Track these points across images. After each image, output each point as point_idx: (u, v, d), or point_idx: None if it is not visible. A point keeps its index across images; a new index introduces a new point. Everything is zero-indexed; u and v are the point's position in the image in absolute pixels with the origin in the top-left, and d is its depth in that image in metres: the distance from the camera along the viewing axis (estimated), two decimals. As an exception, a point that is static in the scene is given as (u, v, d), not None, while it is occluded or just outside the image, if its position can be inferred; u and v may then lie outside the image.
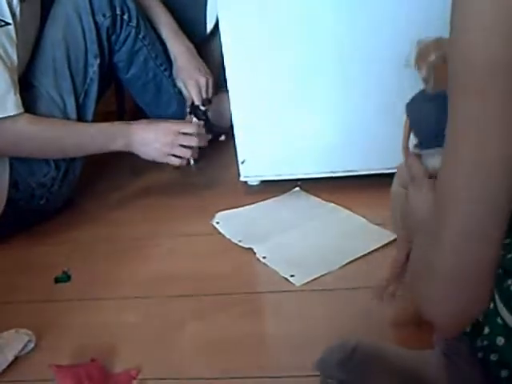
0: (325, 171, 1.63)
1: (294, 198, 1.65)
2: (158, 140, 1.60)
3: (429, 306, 0.71)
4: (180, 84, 1.84)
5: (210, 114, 1.79)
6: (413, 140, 0.99)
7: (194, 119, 1.74)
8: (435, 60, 0.91)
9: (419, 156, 0.91)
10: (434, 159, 0.87)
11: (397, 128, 1.54)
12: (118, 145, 1.60)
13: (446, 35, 0.63)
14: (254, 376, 1.10)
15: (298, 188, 1.67)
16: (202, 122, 1.72)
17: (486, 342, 0.83)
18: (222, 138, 1.80)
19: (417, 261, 0.74)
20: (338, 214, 1.54)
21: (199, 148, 1.66)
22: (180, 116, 1.82)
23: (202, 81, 1.79)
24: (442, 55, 0.91)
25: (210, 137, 1.72)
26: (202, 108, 1.76)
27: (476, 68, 0.60)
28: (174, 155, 1.63)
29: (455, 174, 0.64)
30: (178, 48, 1.84)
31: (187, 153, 1.63)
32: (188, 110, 1.78)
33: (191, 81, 1.79)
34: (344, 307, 1.23)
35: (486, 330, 0.83)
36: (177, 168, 1.69)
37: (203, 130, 1.69)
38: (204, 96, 1.78)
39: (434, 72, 0.92)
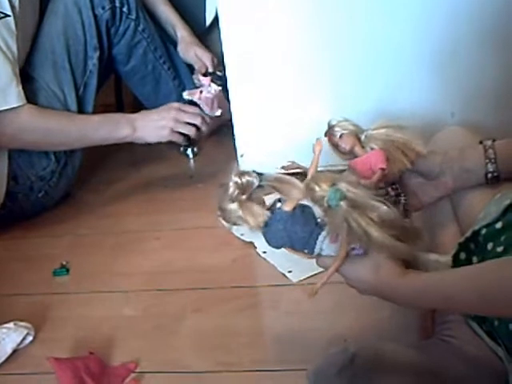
0: (325, 165, 1.62)
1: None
2: (161, 117, 1.59)
3: None
4: (191, 55, 1.83)
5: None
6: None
7: (213, 85, 1.69)
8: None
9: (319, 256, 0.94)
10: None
11: (397, 115, 1.56)
12: (122, 133, 1.59)
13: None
14: (251, 369, 1.11)
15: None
16: (220, 88, 1.69)
17: None
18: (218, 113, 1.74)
19: None
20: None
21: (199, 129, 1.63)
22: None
23: (213, 55, 1.80)
24: None
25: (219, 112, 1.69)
26: (219, 73, 1.74)
27: None
28: (178, 133, 1.61)
29: None
30: (186, 29, 1.86)
31: (191, 130, 1.61)
32: (199, 79, 1.75)
33: (206, 53, 1.81)
34: (342, 301, 1.23)
35: None
36: (173, 143, 1.66)
37: (222, 96, 1.68)
38: (216, 62, 1.78)
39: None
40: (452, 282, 0.83)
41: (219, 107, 1.66)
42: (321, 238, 0.93)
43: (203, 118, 1.62)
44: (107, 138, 1.60)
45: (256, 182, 0.95)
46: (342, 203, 0.86)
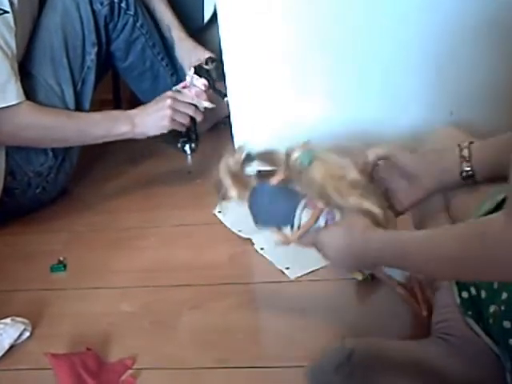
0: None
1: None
2: (158, 107, 1.58)
3: None
4: (182, 62, 1.83)
5: (214, 73, 1.72)
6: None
7: (197, 77, 1.67)
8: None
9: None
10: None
11: (396, 113, 1.56)
12: (121, 129, 1.58)
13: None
14: (248, 366, 1.11)
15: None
16: (204, 80, 1.66)
17: (503, 308, 0.85)
18: (226, 99, 1.72)
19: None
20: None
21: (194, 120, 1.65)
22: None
23: (202, 54, 1.78)
24: None
25: (213, 105, 1.68)
26: (205, 66, 1.72)
27: None
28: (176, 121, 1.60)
29: None
30: (180, 33, 1.84)
31: (186, 118, 1.61)
32: (188, 76, 1.73)
33: (194, 55, 1.79)
34: (340, 299, 1.23)
35: (504, 296, 0.84)
36: (171, 139, 1.67)
37: (209, 90, 1.67)
38: (206, 56, 1.75)
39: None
40: (411, 241, 0.87)
41: (208, 100, 1.66)
42: (300, 206, 1.00)
43: (196, 108, 1.62)
44: (106, 135, 1.59)
45: (244, 157, 1.10)
46: (314, 162, 0.97)
